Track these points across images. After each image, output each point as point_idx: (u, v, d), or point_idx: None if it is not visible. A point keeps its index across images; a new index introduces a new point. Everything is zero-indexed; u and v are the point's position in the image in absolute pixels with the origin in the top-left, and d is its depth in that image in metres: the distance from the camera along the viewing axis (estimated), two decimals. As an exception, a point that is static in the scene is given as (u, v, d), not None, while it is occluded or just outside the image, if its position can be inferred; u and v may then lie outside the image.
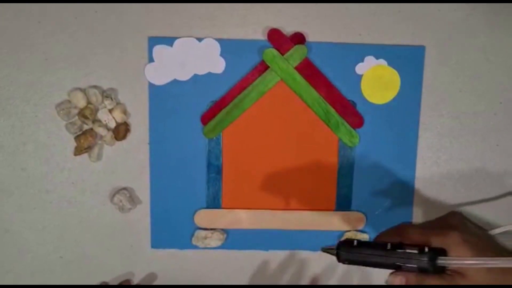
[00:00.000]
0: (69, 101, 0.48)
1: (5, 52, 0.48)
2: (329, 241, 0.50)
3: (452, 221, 0.43)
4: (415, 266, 0.39)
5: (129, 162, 0.50)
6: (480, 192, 0.50)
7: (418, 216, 0.50)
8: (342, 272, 0.52)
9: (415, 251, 0.39)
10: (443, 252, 0.39)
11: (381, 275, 0.49)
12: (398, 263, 0.39)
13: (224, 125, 0.49)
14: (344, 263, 0.42)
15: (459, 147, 0.50)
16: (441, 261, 0.38)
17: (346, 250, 0.42)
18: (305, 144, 0.49)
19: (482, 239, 0.41)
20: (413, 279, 0.40)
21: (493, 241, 0.42)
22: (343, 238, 0.49)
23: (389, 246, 0.40)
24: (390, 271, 0.41)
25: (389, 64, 0.48)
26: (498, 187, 0.50)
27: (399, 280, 0.40)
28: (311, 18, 0.48)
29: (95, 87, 0.48)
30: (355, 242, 0.41)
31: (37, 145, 0.49)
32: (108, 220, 0.51)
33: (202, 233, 0.50)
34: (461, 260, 0.38)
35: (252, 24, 0.48)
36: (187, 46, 0.48)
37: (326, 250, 0.44)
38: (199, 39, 0.48)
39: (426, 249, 0.39)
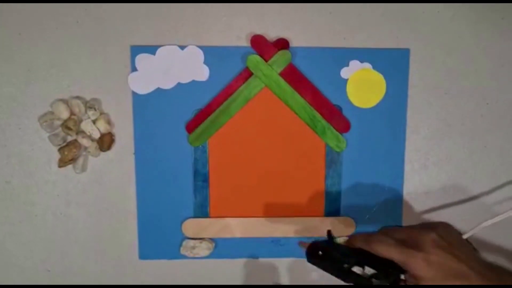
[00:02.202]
0: (52, 113, 0.47)
1: (-14, 64, 0.48)
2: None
3: (424, 239, 0.41)
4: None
5: (115, 172, 0.49)
6: (469, 193, 0.50)
7: (407, 219, 0.50)
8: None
9: (365, 278, 0.41)
10: (395, 281, 0.41)
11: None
12: (351, 283, 0.42)
13: (210, 133, 0.48)
14: (311, 263, 0.44)
15: (446, 149, 0.50)
16: None
17: (311, 258, 0.44)
18: (292, 150, 0.49)
19: (448, 260, 0.40)
20: None
21: (467, 259, 0.42)
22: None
23: (347, 263, 0.42)
24: None
25: (374, 67, 0.48)
26: (487, 188, 0.50)
27: None
28: (295, 23, 0.48)
29: (78, 97, 0.48)
30: (320, 253, 0.43)
31: (21, 157, 0.49)
32: (95, 232, 0.50)
33: (191, 242, 0.50)
34: None
35: (236, 31, 0.48)
36: (170, 54, 0.47)
37: (301, 245, 0.46)
38: (182, 47, 0.47)
39: (376, 278, 0.41)
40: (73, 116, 0.47)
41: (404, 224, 0.50)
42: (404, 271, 0.41)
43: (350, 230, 0.50)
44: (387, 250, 0.41)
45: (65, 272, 0.51)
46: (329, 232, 0.46)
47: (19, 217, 0.50)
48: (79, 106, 0.47)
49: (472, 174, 0.50)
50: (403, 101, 0.49)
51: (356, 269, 0.42)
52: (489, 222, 0.43)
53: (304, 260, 0.50)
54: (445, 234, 0.43)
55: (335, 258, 0.42)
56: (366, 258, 0.42)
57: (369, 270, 0.42)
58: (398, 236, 0.43)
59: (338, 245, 0.45)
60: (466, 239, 0.44)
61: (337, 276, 0.42)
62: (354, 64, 0.48)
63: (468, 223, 0.50)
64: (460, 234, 0.44)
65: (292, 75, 0.47)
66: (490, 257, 0.51)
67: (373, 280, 0.41)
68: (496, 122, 0.49)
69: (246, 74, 0.47)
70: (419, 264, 0.40)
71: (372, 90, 0.48)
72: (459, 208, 0.50)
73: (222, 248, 0.50)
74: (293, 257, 0.51)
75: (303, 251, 0.44)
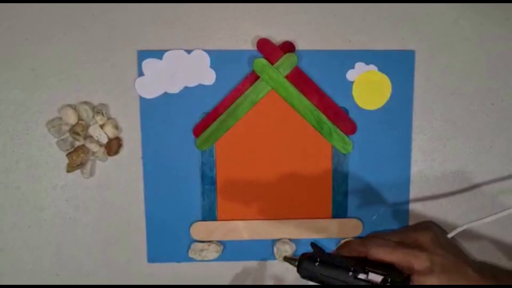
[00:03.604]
0: (60, 118, 0.48)
1: (-6, 70, 0.48)
2: (327, 249, 0.49)
3: (424, 239, 0.42)
4: None
5: (123, 177, 0.49)
6: (476, 194, 0.50)
7: (414, 220, 0.50)
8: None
9: (378, 281, 0.38)
10: (406, 279, 0.39)
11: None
12: None
13: (217, 137, 0.48)
14: (303, 278, 0.41)
15: (452, 150, 0.50)
16: None
17: (307, 267, 0.40)
18: (299, 152, 0.49)
19: (449, 258, 0.41)
20: None
21: (460, 255, 0.43)
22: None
23: (351, 270, 0.38)
24: None
25: (380, 69, 0.48)
26: (493, 188, 0.50)
27: None
28: (301, 26, 0.48)
29: (85, 103, 0.48)
30: (318, 260, 0.40)
31: (29, 163, 0.49)
32: (104, 236, 0.50)
33: (199, 245, 0.50)
34: None
35: (242, 35, 0.48)
36: (176, 59, 0.47)
37: (288, 259, 0.42)
38: (189, 51, 0.47)
39: (389, 281, 0.38)
40: (81, 121, 0.48)
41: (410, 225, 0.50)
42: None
43: (357, 232, 0.50)
44: (388, 253, 0.40)
45: (74, 276, 0.51)
46: (314, 244, 0.43)
47: (28, 222, 0.50)
48: (86, 111, 0.47)
49: (478, 174, 0.50)
50: (409, 103, 0.49)
51: (362, 276, 0.39)
52: (474, 223, 0.44)
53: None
54: (440, 232, 0.44)
55: (336, 266, 0.39)
56: (365, 264, 0.40)
57: (373, 276, 0.39)
58: (394, 239, 0.42)
59: (330, 254, 0.42)
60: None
61: (341, 285, 0.39)
62: (360, 66, 0.48)
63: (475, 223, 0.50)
64: (444, 238, 0.45)
65: (298, 78, 0.48)
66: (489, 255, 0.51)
67: (387, 284, 0.38)
68: (501, 123, 0.50)
69: (253, 78, 0.48)
70: (425, 264, 0.39)
71: (378, 92, 0.49)
72: (465, 208, 0.50)
73: (231, 250, 0.51)
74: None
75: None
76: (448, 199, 0.50)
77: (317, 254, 0.41)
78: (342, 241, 0.49)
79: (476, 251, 0.50)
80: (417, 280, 0.40)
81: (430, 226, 0.44)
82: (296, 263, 0.41)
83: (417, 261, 0.40)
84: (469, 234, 0.50)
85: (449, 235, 0.45)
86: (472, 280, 0.40)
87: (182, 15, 0.48)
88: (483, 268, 0.42)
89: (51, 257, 0.51)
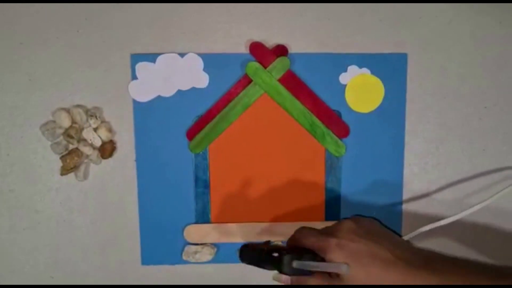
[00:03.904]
0: (54, 121, 0.48)
1: (-11, 74, 0.48)
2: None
3: (339, 226, 0.43)
4: (280, 269, 0.43)
5: (117, 180, 0.50)
6: (469, 196, 0.50)
7: (407, 223, 0.50)
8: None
9: (276, 255, 0.43)
10: (308, 256, 0.42)
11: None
12: (270, 267, 0.44)
13: (210, 140, 0.49)
14: (243, 262, 0.46)
15: (445, 153, 0.50)
16: (295, 265, 0.42)
17: (241, 252, 0.46)
18: (292, 155, 0.49)
19: (362, 244, 0.41)
20: (294, 280, 0.43)
21: (384, 243, 0.42)
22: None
23: (265, 251, 0.44)
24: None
25: (373, 72, 0.48)
26: (486, 191, 0.50)
27: (284, 280, 0.44)
28: (293, 30, 0.48)
29: (79, 106, 0.48)
30: (249, 245, 0.46)
31: (24, 166, 0.49)
32: (98, 238, 0.50)
33: (193, 248, 0.50)
34: (309, 263, 0.42)
35: (235, 38, 0.48)
36: (170, 62, 0.48)
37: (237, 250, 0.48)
38: (182, 55, 0.48)
39: (285, 254, 0.43)
40: (74, 125, 0.48)
41: (403, 228, 0.50)
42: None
43: (351, 234, 0.50)
44: (307, 239, 0.43)
45: (68, 279, 0.51)
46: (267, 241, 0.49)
47: (23, 224, 0.50)
48: (80, 114, 0.47)
49: (471, 177, 0.50)
50: (402, 105, 0.49)
51: (274, 254, 0.44)
52: (428, 227, 0.46)
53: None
54: (365, 223, 0.45)
55: (258, 249, 0.45)
56: (290, 249, 0.44)
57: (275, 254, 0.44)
58: (321, 229, 0.45)
59: (268, 241, 0.48)
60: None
61: (260, 263, 0.44)
62: (353, 69, 0.48)
63: (467, 226, 0.51)
64: (384, 227, 0.47)
65: (291, 81, 0.48)
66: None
67: (284, 253, 0.43)
68: (494, 125, 0.50)
69: (245, 81, 0.48)
70: (332, 248, 0.41)
71: (371, 94, 0.49)
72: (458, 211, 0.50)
73: (224, 253, 0.51)
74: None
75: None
76: (441, 202, 0.50)
77: (254, 244, 0.47)
78: None
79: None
80: (328, 260, 0.42)
81: (358, 218, 0.46)
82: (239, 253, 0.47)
83: (326, 245, 0.42)
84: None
85: (405, 237, 0.46)
86: (391, 265, 0.41)
87: (175, 18, 0.48)
88: (417, 256, 0.42)
89: (45, 259, 0.51)
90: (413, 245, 0.47)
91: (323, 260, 0.42)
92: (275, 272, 0.44)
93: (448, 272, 0.40)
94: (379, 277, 0.40)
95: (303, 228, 0.46)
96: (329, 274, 0.42)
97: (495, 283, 0.39)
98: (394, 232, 0.47)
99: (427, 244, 0.50)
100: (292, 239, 0.46)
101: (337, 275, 0.41)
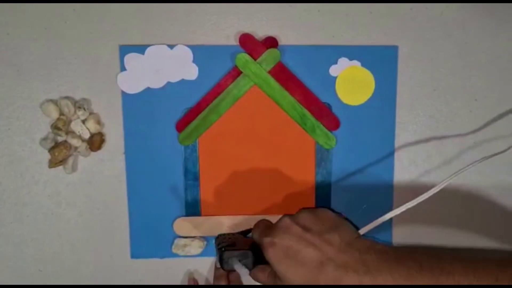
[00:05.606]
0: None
1: (-25, 65, 0.48)
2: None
3: (276, 224, 0.42)
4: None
5: (105, 172, 0.49)
6: (459, 189, 0.50)
7: (397, 217, 0.50)
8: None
9: (220, 250, 0.44)
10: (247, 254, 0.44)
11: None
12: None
13: (200, 132, 0.48)
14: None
15: (436, 146, 0.50)
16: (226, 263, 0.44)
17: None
18: (282, 148, 0.49)
19: (294, 243, 0.39)
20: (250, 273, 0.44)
21: (312, 244, 0.39)
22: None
23: (222, 245, 0.45)
24: None
25: (363, 65, 0.48)
26: (477, 184, 0.50)
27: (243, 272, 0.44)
28: (283, 22, 0.48)
29: (67, 98, 0.48)
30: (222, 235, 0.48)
31: (11, 158, 0.49)
32: (87, 232, 0.50)
33: (182, 241, 0.50)
34: (234, 264, 0.43)
35: (224, 30, 0.48)
36: (159, 54, 0.47)
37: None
38: (171, 46, 0.47)
39: (225, 250, 0.44)
40: (62, 116, 0.47)
41: (392, 221, 0.50)
42: None
43: (341, 227, 0.50)
44: (255, 233, 0.43)
45: (57, 272, 0.51)
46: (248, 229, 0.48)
47: (10, 218, 0.50)
48: (68, 106, 0.47)
49: (461, 170, 0.50)
50: (392, 98, 0.49)
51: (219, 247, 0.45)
52: (388, 215, 0.43)
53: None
54: (303, 219, 0.41)
55: (220, 240, 0.46)
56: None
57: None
58: (274, 222, 0.42)
59: (243, 232, 0.48)
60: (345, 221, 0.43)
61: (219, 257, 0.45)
62: (343, 61, 0.48)
63: (458, 218, 0.51)
64: (329, 220, 0.42)
65: (281, 73, 0.47)
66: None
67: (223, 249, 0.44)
68: (485, 118, 0.50)
69: (235, 73, 0.47)
70: (265, 247, 0.40)
71: (361, 87, 0.48)
72: (448, 204, 0.50)
73: (214, 246, 0.50)
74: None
75: None
76: (432, 195, 0.50)
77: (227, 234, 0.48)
78: None
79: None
80: (265, 257, 0.41)
81: (296, 213, 0.42)
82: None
83: (263, 242, 0.41)
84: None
85: (361, 231, 0.42)
86: (320, 267, 0.38)
87: (164, 9, 0.47)
88: (351, 254, 0.38)
89: (33, 252, 0.50)
90: (361, 242, 0.40)
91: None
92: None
93: (384, 272, 0.37)
94: (307, 278, 0.38)
95: (260, 221, 0.45)
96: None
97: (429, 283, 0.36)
98: (352, 223, 0.43)
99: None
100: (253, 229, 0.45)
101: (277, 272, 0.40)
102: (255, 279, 0.43)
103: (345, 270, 0.38)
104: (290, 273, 0.39)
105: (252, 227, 0.45)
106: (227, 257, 0.44)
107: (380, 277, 0.37)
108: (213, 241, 0.48)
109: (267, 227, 0.43)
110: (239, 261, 0.44)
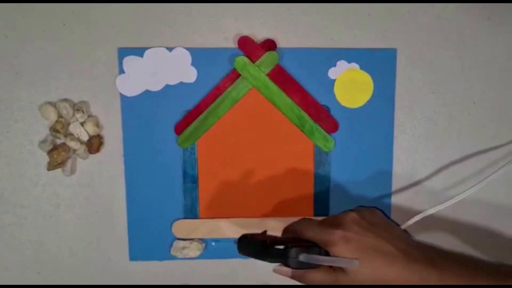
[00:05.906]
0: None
1: (-26, 68, 0.48)
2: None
3: (344, 219, 0.42)
4: (284, 261, 0.40)
5: (104, 175, 0.49)
6: (458, 192, 0.50)
7: (396, 218, 0.50)
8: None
9: (281, 248, 0.40)
10: (315, 250, 0.41)
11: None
12: (272, 259, 0.41)
13: (198, 135, 0.48)
14: (241, 254, 0.44)
15: (434, 148, 0.50)
16: (302, 258, 0.39)
17: (239, 243, 0.44)
18: (281, 150, 0.49)
19: (366, 237, 0.41)
20: (296, 273, 0.42)
21: (386, 236, 0.42)
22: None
23: (267, 243, 0.41)
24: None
25: (362, 67, 0.48)
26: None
27: (284, 272, 0.43)
28: (282, 24, 0.48)
29: (65, 100, 0.48)
30: (248, 236, 0.44)
31: (9, 161, 0.49)
32: (85, 234, 0.50)
33: (181, 243, 0.50)
34: (318, 257, 0.40)
35: (223, 32, 0.48)
36: (157, 56, 0.47)
37: (235, 241, 0.45)
38: (170, 49, 0.47)
39: (291, 247, 0.40)
40: (60, 119, 0.47)
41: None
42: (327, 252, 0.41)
43: (340, 229, 0.50)
44: (310, 231, 0.42)
45: (55, 275, 0.51)
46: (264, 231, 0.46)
47: (9, 220, 0.50)
48: (66, 108, 0.47)
49: (460, 173, 0.50)
50: (391, 101, 0.49)
51: (279, 247, 0.41)
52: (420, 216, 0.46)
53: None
54: (368, 215, 0.44)
55: (259, 240, 0.43)
56: (295, 242, 0.42)
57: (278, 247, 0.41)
58: (321, 220, 0.44)
59: (265, 232, 0.45)
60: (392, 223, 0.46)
61: (260, 255, 0.42)
62: (342, 64, 0.48)
63: (457, 221, 0.51)
64: (385, 218, 0.46)
65: (280, 76, 0.48)
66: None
67: (290, 245, 0.40)
68: (483, 121, 0.50)
69: (234, 76, 0.48)
70: (337, 241, 0.40)
71: (360, 90, 0.49)
72: (447, 206, 0.50)
73: (213, 248, 0.51)
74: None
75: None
76: (430, 198, 0.50)
77: (254, 235, 0.44)
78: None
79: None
80: (332, 254, 0.41)
81: (360, 209, 0.45)
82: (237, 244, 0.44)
83: (331, 238, 0.40)
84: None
85: (403, 226, 0.46)
86: (394, 259, 0.40)
87: (163, 12, 0.47)
88: (417, 249, 0.42)
89: (32, 255, 0.50)
90: (411, 238, 0.47)
91: (327, 253, 0.41)
92: (276, 264, 0.43)
93: (448, 268, 0.40)
94: (382, 271, 0.40)
95: (303, 219, 0.45)
96: (333, 268, 0.41)
97: (493, 283, 0.40)
98: (394, 222, 0.47)
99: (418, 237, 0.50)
100: (290, 230, 0.45)
101: (341, 269, 0.40)
102: (309, 280, 0.42)
103: (416, 263, 0.40)
104: (367, 267, 0.40)
105: (254, 229, 0.45)
106: (296, 253, 0.40)
107: (445, 273, 0.40)
108: (236, 244, 0.45)
109: (324, 223, 0.43)
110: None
